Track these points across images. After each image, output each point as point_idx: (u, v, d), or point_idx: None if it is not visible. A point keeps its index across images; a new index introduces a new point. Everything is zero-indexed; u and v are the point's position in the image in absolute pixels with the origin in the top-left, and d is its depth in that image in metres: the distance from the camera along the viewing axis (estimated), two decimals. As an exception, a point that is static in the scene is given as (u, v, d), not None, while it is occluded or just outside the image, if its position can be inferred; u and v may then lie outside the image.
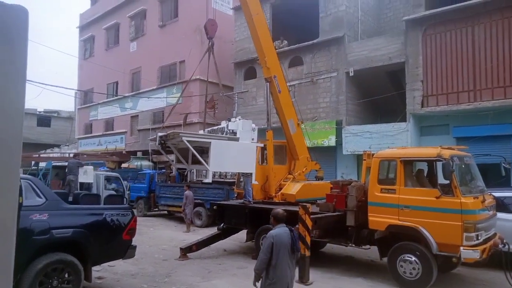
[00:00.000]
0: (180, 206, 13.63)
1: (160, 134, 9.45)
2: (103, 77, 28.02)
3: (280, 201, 9.47)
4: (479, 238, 6.05)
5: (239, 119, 13.42)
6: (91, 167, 14.94)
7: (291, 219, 7.63)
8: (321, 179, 10.61)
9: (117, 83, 27.74)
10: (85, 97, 31.27)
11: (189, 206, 12.56)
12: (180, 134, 8.87)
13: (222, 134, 12.95)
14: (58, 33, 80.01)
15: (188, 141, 8.69)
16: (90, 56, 30.77)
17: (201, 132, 15.69)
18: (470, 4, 12.45)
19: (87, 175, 13.55)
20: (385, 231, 6.83)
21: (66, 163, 14.26)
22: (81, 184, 13.35)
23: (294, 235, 4.23)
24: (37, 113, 39.83)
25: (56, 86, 38.13)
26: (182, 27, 22.63)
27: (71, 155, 17.19)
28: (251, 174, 9.11)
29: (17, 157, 1.30)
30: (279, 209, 4.67)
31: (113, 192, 11.32)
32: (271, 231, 4.30)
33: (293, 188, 9.55)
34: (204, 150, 8.99)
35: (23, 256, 4.60)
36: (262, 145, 10.33)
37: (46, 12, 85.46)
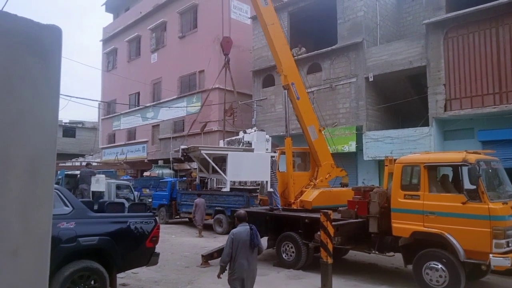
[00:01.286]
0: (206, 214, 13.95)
1: (182, 147, 10.06)
2: (125, 88, 28.78)
3: (299, 208, 9.40)
4: (510, 245, 5.83)
5: (254, 130, 13.75)
6: (103, 175, 15.03)
7: (312, 226, 7.62)
8: (346, 185, 10.40)
9: (138, 93, 28.41)
10: (108, 108, 32.15)
11: (199, 212, 12.91)
12: (199, 148, 9.37)
13: (239, 144, 13.27)
14: (82, 47, 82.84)
15: (206, 153, 9.14)
16: (113, 68, 31.70)
17: (220, 141, 16.11)
18: (493, 5, 12.14)
19: (99, 183, 13.64)
20: (409, 238, 6.68)
21: (78, 172, 14.54)
22: (93, 192, 13.39)
23: (253, 232, 4.82)
24: (63, 124, 41.20)
25: (81, 98, 39.55)
26: (201, 38, 23.04)
27: (84, 163, 17.41)
28: (276, 181, 9.40)
29: (52, 169, 1.36)
30: (241, 210, 5.55)
31: (125, 201, 11.27)
32: (233, 229, 5.02)
33: (310, 195, 9.47)
34: (223, 159, 9.39)
35: (51, 264, 4.73)
36: (275, 154, 10.49)
37: (72, 27, 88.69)
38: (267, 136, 14.01)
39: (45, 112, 1.36)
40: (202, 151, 9.35)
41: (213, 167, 9.61)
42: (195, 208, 13.01)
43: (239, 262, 4.72)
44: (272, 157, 10.24)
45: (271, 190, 9.45)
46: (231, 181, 12.27)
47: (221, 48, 16.10)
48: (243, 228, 4.90)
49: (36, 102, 1.32)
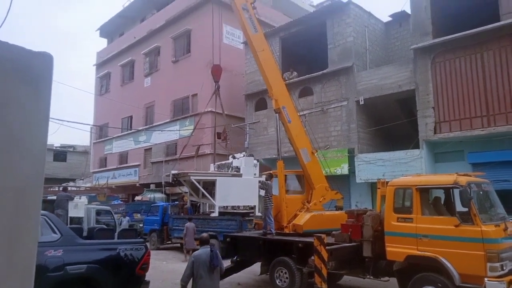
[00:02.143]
0: (195, 239, 13.87)
1: (173, 172, 10.14)
2: (118, 112, 28.80)
3: (291, 232, 9.28)
4: (504, 268, 5.79)
5: (243, 155, 13.83)
6: (83, 200, 14.44)
7: (306, 250, 7.51)
8: (341, 209, 10.28)
9: (131, 117, 28.42)
10: (101, 132, 32.02)
11: (189, 236, 12.89)
12: (189, 174, 9.54)
13: (228, 169, 13.34)
14: (75, 71, 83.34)
15: (195, 179, 9.28)
16: (106, 92, 31.82)
17: (211, 165, 16.25)
18: (477, 31, 12.58)
19: (77, 209, 13.13)
20: (404, 262, 6.60)
21: (55, 197, 13.54)
22: (71, 218, 12.83)
23: (213, 254, 5.20)
24: (54, 148, 40.82)
25: (73, 122, 39.25)
26: (194, 62, 23.36)
27: (61, 188, 16.46)
28: (271, 205, 9.31)
29: (39, 198, 1.34)
30: (204, 234, 5.85)
31: (104, 226, 10.69)
32: (194, 252, 5.48)
33: (302, 219, 9.39)
34: (213, 184, 9.51)
35: (37, 293, 4.58)
36: (263, 178, 10.57)
37: (66, 52, 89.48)
38: (255, 161, 14.23)
39: (34, 140, 1.35)
40: (191, 177, 9.54)
41: (203, 192, 9.74)
42: (186, 232, 13.03)
43: (201, 282, 5.07)
44: (264, 181, 10.19)
45: (259, 214, 9.44)
46: (222, 205, 12.35)
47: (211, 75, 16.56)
48: (203, 250, 5.29)
49: (25, 130, 1.31)
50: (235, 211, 14.00)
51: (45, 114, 1.43)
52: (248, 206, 13.63)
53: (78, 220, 12.85)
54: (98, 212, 14.51)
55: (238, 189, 10.34)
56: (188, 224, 13.09)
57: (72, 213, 12.85)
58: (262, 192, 9.65)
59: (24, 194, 1.24)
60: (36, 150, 1.36)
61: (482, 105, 12.74)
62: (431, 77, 13.83)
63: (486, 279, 5.63)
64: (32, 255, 1.28)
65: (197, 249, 12.92)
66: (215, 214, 11.06)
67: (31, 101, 1.34)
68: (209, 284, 5.09)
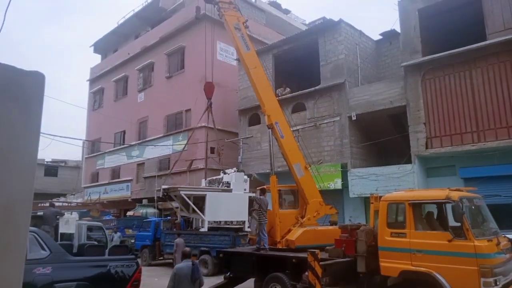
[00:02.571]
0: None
1: (163, 187, 10.18)
2: (111, 127, 28.70)
3: (284, 248, 9.21)
4: (498, 283, 5.78)
5: (234, 171, 13.85)
6: (74, 216, 14.21)
7: (300, 266, 7.44)
8: (335, 224, 10.22)
9: (124, 132, 28.33)
10: (93, 147, 31.80)
11: (179, 252, 12.50)
12: (178, 189, 9.58)
13: (219, 184, 13.40)
14: (68, 86, 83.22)
15: (185, 194, 9.31)
16: (99, 107, 31.76)
17: (202, 181, 16.31)
18: (465, 50, 12.89)
19: (68, 225, 12.85)
20: (398, 277, 6.57)
21: (42, 213, 13.19)
22: (62, 234, 12.57)
23: (194, 267, 5.57)
24: (45, 163, 40.34)
25: (65, 137, 38.98)
26: (188, 78, 23.50)
27: (52, 204, 16.06)
28: (265, 221, 9.28)
29: (27, 216, 1.33)
30: (187, 248, 6.34)
31: (95, 243, 10.47)
32: (176, 265, 5.98)
33: (294, 234, 9.34)
34: (203, 199, 9.52)
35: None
36: (254, 194, 10.56)
37: (59, 67, 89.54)
38: (246, 177, 14.44)
39: (24, 157, 1.35)
40: (181, 192, 9.58)
41: (193, 207, 9.75)
42: (176, 248, 12.81)
43: None
44: (257, 197, 10.17)
45: (248, 230, 9.43)
46: (215, 221, 12.31)
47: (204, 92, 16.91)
48: (185, 264, 5.68)
49: (14, 147, 1.31)
50: (228, 226, 13.88)
51: (36, 131, 1.43)
52: (240, 221, 13.66)
53: (69, 236, 12.60)
54: (90, 228, 14.21)
55: (228, 204, 10.45)
56: (177, 240, 12.97)
57: (63, 229, 12.63)
58: (256, 206, 9.58)
59: (12, 211, 1.23)
60: (25, 167, 1.35)
61: (472, 120, 12.94)
62: (422, 93, 14.07)
63: (480, 294, 5.62)
64: (19, 273, 1.26)
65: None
66: (204, 229, 11.06)
67: (21, 119, 1.35)
68: None
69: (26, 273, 4.07)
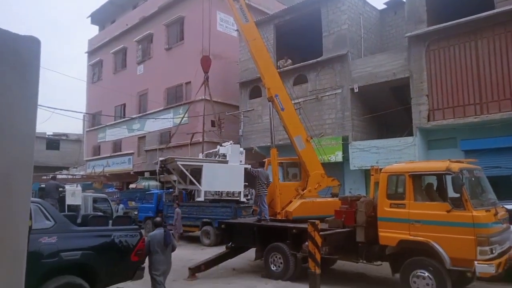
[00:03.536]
0: (189, 225, 14.41)
1: (161, 158, 10.27)
2: (111, 100, 28.52)
3: (284, 219, 9.37)
4: (494, 252, 5.91)
5: (230, 143, 14.17)
6: (79, 188, 14.42)
7: (300, 236, 7.59)
8: (336, 195, 10.27)
9: (124, 105, 28.17)
10: (93, 120, 31.75)
11: (179, 221, 13.69)
12: (175, 159, 9.69)
13: (215, 157, 13.69)
14: (67, 59, 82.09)
15: (182, 164, 9.48)
16: (98, 80, 31.44)
17: (200, 154, 16.59)
18: (472, 19, 12.55)
19: (75, 197, 13.08)
20: (396, 247, 6.71)
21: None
22: (69, 206, 12.81)
23: (166, 234, 6.20)
24: (46, 136, 40.43)
25: (65, 110, 38.89)
26: (187, 49, 23.09)
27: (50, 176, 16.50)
28: (264, 193, 9.43)
29: (28, 182, 1.33)
30: (158, 218, 6.94)
31: (101, 213, 11.07)
32: (149, 233, 6.60)
33: (292, 206, 9.47)
34: (200, 171, 9.72)
35: (32, 280, 4.59)
36: (248, 166, 10.71)
37: (56, 39, 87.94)
38: (241, 149, 14.75)
39: (22, 124, 1.33)
40: (178, 163, 9.76)
41: (190, 178, 9.96)
42: (176, 217, 13.63)
43: (157, 257, 6.05)
44: (251, 168, 10.29)
45: (244, 200, 9.64)
46: (208, 190, 12.67)
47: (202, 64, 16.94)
48: (158, 231, 6.26)
49: (12, 114, 1.29)
50: (230, 198, 14.08)
51: (33, 98, 1.40)
52: (244, 192, 13.97)
53: (75, 208, 12.87)
54: (95, 200, 14.62)
55: (224, 175, 10.84)
56: (177, 209, 13.73)
57: (70, 201, 12.91)
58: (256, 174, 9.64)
59: (13, 178, 1.23)
60: (24, 135, 1.34)
61: (475, 92, 12.81)
62: (425, 65, 13.84)
63: (476, 262, 5.76)
64: (23, 240, 1.28)
65: (182, 233, 13.59)
66: (201, 199, 11.51)
67: (18, 86, 1.32)
68: (163, 258, 6.13)
69: (32, 243, 4.18)
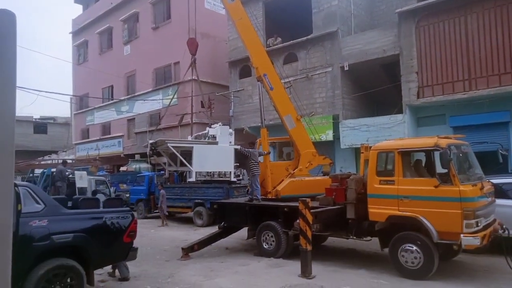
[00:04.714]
0: (182, 207, 14.53)
1: (150, 141, 10.34)
2: (98, 82, 27.98)
3: (274, 198, 9.47)
4: (479, 224, 6.07)
5: (219, 125, 14.32)
6: (85, 172, 15.63)
7: (292, 214, 7.69)
8: (327, 174, 10.33)
9: (112, 87, 27.69)
10: (81, 102, 31.21)
11: (165, 202, 13.90)
12: (166, 141, 9.76)
13: (205, 138, 13.99)
14: (51, 41, 79.74)
15: (173, 146, 9.57)
16: (84, 61, 30.71)
17: (189, 136, 16.70)
18: (461, -7, 12.46)
19: (82, 180, 14.19)
20: (385, 222, 6.84)
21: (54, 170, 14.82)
22: (79, 188, 14.07)
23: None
24: (33, 120, 39.71)
25: (51, 92, 38.08)
26: (175, 29, 22.60)
27: (60, 161, 17.94)
28: (258, 173, 9.48)
29: (11, 162, 1.29)
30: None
31: (102, 195, 12.23)
32: None
33: (281, 185, 9.54)
34: (190, 153, 9.82)
35: (24, 263, 4.59)
36: (238, 147, 10.81)
37: (39, 20, 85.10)
38: (231, 130, 14.94)
39: (1, 103, 1.28)
40: (168, 144, 9.83)
41: (181, 160, 10.08)
42: (162, 199, 13.83)
43: None
44: (242, 148, 10.34)
45: (234, 180, 9.67)
46: (199, 171, 12.85)
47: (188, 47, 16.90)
48: None
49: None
50: (221, 178, 14.14)
51: (11, 76, 1.35)
52: (235, 173, 14.15)
53: (81, 190, 14.07)
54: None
55: (214, 156, 11.07)
56: (162, 191, 13.97)
57: (79, 183, 14.12)
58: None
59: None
60: (4, 115, 1.29)
61: (464, 69, 12.86)
62: (415, 41, 13.79)
63: (462, 235, 5.91)
64: (8, 220, 1.25)
65: (166, 214, 13.92)
66: (192, 179, 11.74)
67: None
68: None
69: (22, 226, 4.16)
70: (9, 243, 1.27)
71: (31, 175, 17.28)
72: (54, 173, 14.37)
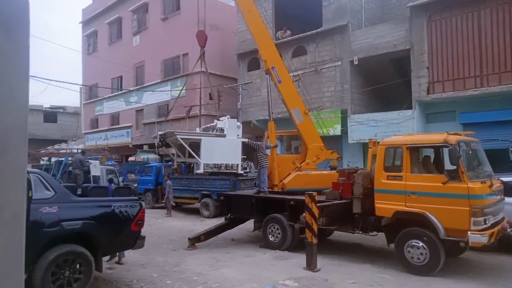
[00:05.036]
0: (188, 198, 14.67)
1: (160, 133, 10.55)
2: (107, 72, 28.10)
3: (280, 191, 9.49)
4: (487, 222, 6.03)
5: (227, 118, 14.50)
6: (97, 161, 15.99)
7: (298, 208, 7.71)
8: (334, 168, 10.16)
9: (121, 77, 27.81)
10: (90, 92, 31.43)
11: (171, 192, 14.14)
12: (175, 133, 9.95)
13: (213, 131, 14.20)
14: (61, 30, 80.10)
15: (182, 138, 9.77)
16: (93, 51, 30.84)
17: (197, 128, 16.85)
18: (476, -12, 12.22)
19: (96, 168, 14.67)
20: (392, 218, 6.83)
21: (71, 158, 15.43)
22: (93, 176, 14.61)
23: None
24: (43, 109, 40.12)
25: (61, 82, 38.33)
26: (184, 20, 22.55)
27: (79, 150, 18.34)
28: (266, 165, 9.54)
29: (24, 147, 1.32)
30: None
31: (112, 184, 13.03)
32: None
33: (287, 178, 9.55)
34: (198, 145, 10.02)
35: (34, 248, 4.69)
36: (246, 140, 10.91)
37: (50, 10, 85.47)
38: (238, 123, 15.12)
39: (13, 90, 1.30)
40: (177, 136, 9.97)
41: (189, 151, 10.27)
42: (168, 189, 14.06)
43: None
44: (250, 141, 10.37)
45: (241, 172, 9.70)
46: (207, 163, 13.07)
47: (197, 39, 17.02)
48: None
49: (4, 77, 1.26)
50: (228, 171, 14.20)
51: (25, 63, 1.36)
52: (242, 165, 14.26)
53: (95, 178, 14.61)
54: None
55: (222, 148, 11.34)
56: (169, 181, 14.19)
57: (93, 172, 14.65)
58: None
59: (8, 142, 1.22)
60: (17, 101, 1.31)
61: (476, 65, 12.66)
62: (427, 36, 13.60)
63: (469, 232, 5.88)
64: (22, 202, 1.28)
65: (173, 205, 14.10)
66: (200, 171, 11.94)
67: (8, 49, 1.28)
68: None
69: (33, 212, 4.23)
70: (23, 223, 1.30)
71: (47, 163, 17.84)
72: (71, 161, 14.95)
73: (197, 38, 16.92)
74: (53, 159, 17.97)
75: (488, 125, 12.07)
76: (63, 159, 16.08)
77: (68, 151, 19.76)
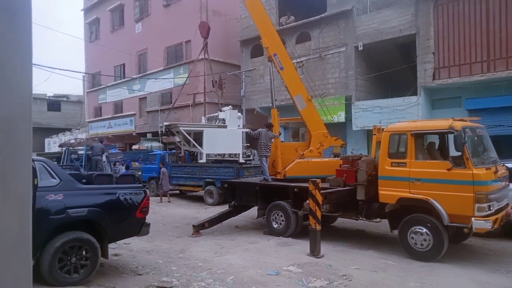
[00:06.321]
0: (192, 185, 14.72)
1: (165, 123, 11.07)
2: (109, 60, 28.00)
3: (282, 178, 9.51)
4: (491, 208, 6.02)
5: (229, 109, 14.79)
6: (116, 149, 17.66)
7: (301, 195, 7.73)
8: (338, 156, 10.00)
9: (124, 65, 27.70)
10: (93, 80, 31.38)
11: (165, 180, 14.42)
12: (178, 125, 10.44)
13: (216, 121, 14.50)
14: (63, 18, 79.62)
15: (185, 130, 10.25)
16: (96, 39, 30.67)
17: (202, 118, 17.11)
18: (484, -30, 11.94)
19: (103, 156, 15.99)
20: (395, 204, 6.84)
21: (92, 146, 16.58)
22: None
23: None
24: (47, 97, 40.20)
25: (64, 70, 38.28)
26: (187, 6, 22.30)
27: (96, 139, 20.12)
28: (264, 155, 9.58)
29: (28, 132, 1.32)
30: None
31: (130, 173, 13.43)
32: None
33: (288, 166, 9.54)
34: (202, 135, 10.54)
35: (41, 235, 4.75)
36: (247, 130, 11.17)
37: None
38: (239, 114, 15.47)
39: (18, 79, 1.29)
40: (180, 128, 10.49)
41: (193, 142, 10.83)
42: (162, 177, 14.32)
43: None
44: (251, 131, 10.39)
45: (242, 161, 9.82)
46: (209, 153, 13.43)
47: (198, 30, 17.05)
48: None
49: (7, 63, 1.25)
50: (232, 159, 14.23)
51: (28, 47, 1.35)
52: (246, 153, 14.40)
53: (101, 164, 15.69)
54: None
55: (223, 138, 12.09)
56: (163, 169, 14.48)
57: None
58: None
59: (13, 127, 1.22)
60: (21, 87, 1.31)
61: (483, 50, 12.46)
62: (433, 20, 13.37)
63: (473, 218, 5.88)
64: (27, 187, 1.29)
65: (170, 190, 14.47)
66: (203, 160, 12.34)
67: (10, 31, 1.26)
68: None
69: (39, 200, 4.27)
70: (29, 206, 1.31)
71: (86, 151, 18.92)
72: (90, 150, 16.06)
73: (200, 29, 16.79)
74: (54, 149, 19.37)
75: (494, 111, 11.95)
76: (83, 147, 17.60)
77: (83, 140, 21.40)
